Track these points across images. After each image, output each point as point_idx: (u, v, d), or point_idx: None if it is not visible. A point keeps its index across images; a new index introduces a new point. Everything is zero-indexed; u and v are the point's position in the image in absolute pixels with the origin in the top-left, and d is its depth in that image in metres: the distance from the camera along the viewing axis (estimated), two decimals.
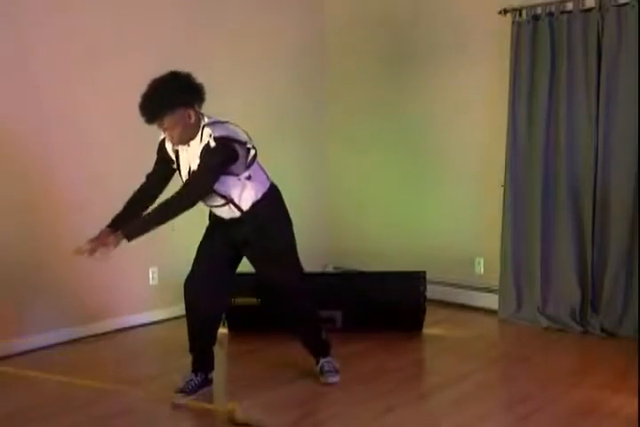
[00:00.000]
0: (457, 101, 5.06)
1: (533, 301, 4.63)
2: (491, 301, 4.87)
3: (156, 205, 3.21)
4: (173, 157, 3.25)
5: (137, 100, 3.02)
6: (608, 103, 4.24)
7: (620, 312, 4.29)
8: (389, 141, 5.50)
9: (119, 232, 3.07)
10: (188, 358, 3.49)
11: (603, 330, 4.32)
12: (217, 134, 3.06)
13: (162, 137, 3.25)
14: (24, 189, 4.04)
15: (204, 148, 3.07)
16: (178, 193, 3.11)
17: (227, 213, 3.30)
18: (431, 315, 4.48)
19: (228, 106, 4.21)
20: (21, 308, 4.01)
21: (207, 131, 3.09)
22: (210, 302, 3.36)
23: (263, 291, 3.57)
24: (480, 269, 5.05)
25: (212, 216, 3.44)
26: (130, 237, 3.06)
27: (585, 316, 4.44)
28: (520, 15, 4.55)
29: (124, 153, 4.46)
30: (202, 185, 3.13)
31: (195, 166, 3.12)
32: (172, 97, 3.02)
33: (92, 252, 3.05)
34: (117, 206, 4.39)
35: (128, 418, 3.13)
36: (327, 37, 5.74)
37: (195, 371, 3.38)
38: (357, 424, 3.05)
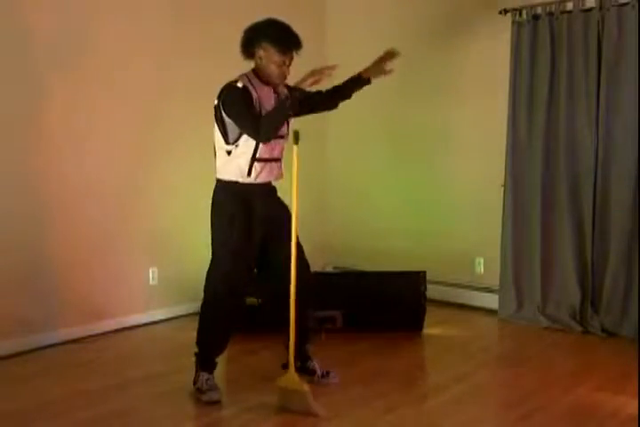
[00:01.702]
0: (456, 101, 5.06)
1: (533, 301, 4.63)
2: (491, 300, 4.87)
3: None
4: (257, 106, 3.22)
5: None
6: (608, 103, 4.25)
7: (620, 312, 4.29)
8: (389, 142, 5.50)
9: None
10: (188, 358, 3.48)
11: (603, 330, 4.32)
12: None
13: (241, 84, 3.18)
14: (24, 190, 4.04)
15: (290, 88, 3.29)
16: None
17: (277, 173, 3.35)
18: (431, 315, 4.48)
19: None
20: (21, 308, 4.01)
21: None
22: (241, 301, 3.41)
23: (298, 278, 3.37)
24: (480, 268, 5.05)
25: (242, 194, 3.28)
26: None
27: (585, 316, 4.44)
28: (520, 15, 4.55)
29: (123, 151, 4.47)
30: None
31: None
32: None
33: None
34: (116, 206, 4.44)
35: (129, 418, 3.13)
36: (328, 30, 5.75)
37: (210, 369, 3.36)
38: (357, 424, 3.04)
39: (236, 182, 3.27)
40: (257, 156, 3.23)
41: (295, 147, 3.14)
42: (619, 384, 3.47)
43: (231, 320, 3.37)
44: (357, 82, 3.49)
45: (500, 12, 4.61)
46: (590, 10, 4.27)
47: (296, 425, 3.06)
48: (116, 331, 4.45)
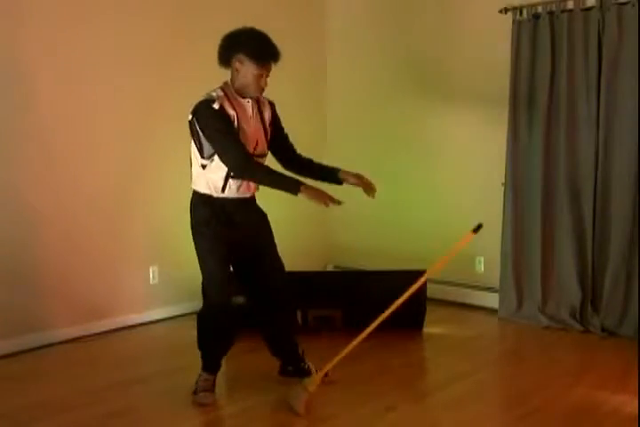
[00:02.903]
0: (456, 100, 5.06)
1: (534, 300, 4.63)
2: (491, 300, 4.87)
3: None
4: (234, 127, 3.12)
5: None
6: (608, 102, 4.24)
7: (620, 311, 4.29)
8: (389, 140, 5.49)
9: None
10: (188, 357, 3.49)
11: (603, 329, 4.32)
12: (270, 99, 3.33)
13: (217, 105, 3.04)
14: (23, 187, 4.04)
15: (272, 106, 3.32)
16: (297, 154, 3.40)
17: (251, 188, 3.27)
18: (431, 314, 4.48)
19: None
20: (21, 307, 4.01)
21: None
22: (231, 305, 3.36)
23: (259, 286, 3.41)
24: (480, 267, 5.05)
25: (216, 206, 3.21)
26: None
27: (585, 315, 4.43)
28: (520, 14, 4.55)
29: (124, 151, 4.48)
30: None
31: (259, 128, 3.22)
32: None
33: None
34: (116, 205, 4.44)
35: (129, 417, 3.13)
36: (327, 25, 5.76)
37: (212, 371, 3.36)
38: (358, 423, 3.05)
39: (210, 196, 3.20)
40: (232, 173, 3.14)
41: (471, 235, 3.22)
42: (618, 383, 3.47)
43: (227, 326, 3.34)
44: (331, 177, 3.41)
45: (501, 11, 4.61)
46: (591, 9, 4.26)
47: (295, 424, 3.06)
48: (117, 330, 4.45)
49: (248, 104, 3.17)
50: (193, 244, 3.28)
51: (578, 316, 4.45)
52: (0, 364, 3.82)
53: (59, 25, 4.11)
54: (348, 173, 3.38)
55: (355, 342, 3.24)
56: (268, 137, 3.27)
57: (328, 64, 5.77)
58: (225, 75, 3.19)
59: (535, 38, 4.49)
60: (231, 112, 3.09)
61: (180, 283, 4.76)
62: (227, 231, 3.20)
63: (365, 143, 5.66)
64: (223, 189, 3.17)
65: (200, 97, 3.14)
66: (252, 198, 3.35)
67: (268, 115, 3.27)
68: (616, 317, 4.30)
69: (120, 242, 4.52)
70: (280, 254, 3.42)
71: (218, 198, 3.19)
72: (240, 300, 3.80)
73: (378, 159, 5.57)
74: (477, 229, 3.12)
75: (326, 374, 3.42)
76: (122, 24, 4.39)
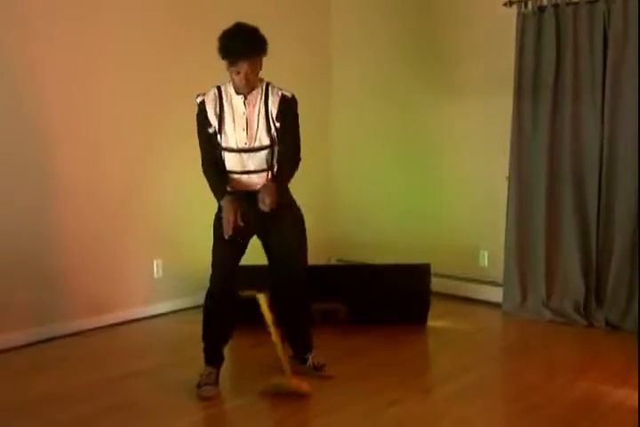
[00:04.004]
0: (461, 94, 5.04)
1: (538, 294, 4.62)
2: (495, 294, 4.86)
3: (282, 166, 3.28)
4: (215, 120, 3.21)
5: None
6: (613, 95, 4.22)
7: (624, 306, 4.28)
8: (394, 134, 5.48)
9: (272, 184, 3.15)
10: (192, 351, 3.49)
11: (607, 323, 4.31)
12: (287, 93, 3.23)
13: (200, 99, 3.24)
14: (28, 181, 4.04)
15: (282, 100, 3.20)
16: (291, 153, 3.26)
17: (257, 184, 3.23)
18: (435, 308, 4.48)
19: None
20: (25, 301, 4.02)
21: (273, 86, 3.24)
22: (233, 295, 3.39)
23: (277, 278, 3.46)
24: (484, 261, 5.04)
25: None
26: (281, 189, 3.18)
27: (589, 309, 4.43)
28: (525, 7, 4.52)
29: (129, 144, 4.48)
30: (299, 137, 3.29)
31: (260, 121, 3.20)
32: (263, 42, 3.14)
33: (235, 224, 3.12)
34: (121, 198, 4.44)
35: (132, 410, 3.14)
36: (332, 26, 5.74)
37: (214, 364, 3.38)
38: (361, 417, 3.05)
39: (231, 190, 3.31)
40: (227, 168, 3.28)
41: None
42: (622, 377, 3.46)
43: (224, 313, 3.36)
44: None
45: (505, 4, 4.58)
46: (596, 1, 4.23)
47: (297, 416, 3.07)
48: (120, 324, 4.46)
49: (241, 100, 3.20)
50: (208, 235, 3.37)
51: (582, 310, 4.44)
52: (5, 357, 3.83)
53: (62, 23, 4.10)
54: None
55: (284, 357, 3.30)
56: (272, 131, 3.24)
57: (332, 58, 5.75)
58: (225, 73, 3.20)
59: (540, 31, 4.47)
60: (212, 109, 3.21)
61: (184, 277, 4.77)
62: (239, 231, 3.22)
63: (368, 138, 5.65)
64: (230, 182, 3.29)
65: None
66: None
67: (274, 109, 3.22)
68: (620, 311, 4.29)
69: (124, 236, 4.52)
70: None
71: (232, 191, 3.27)
72: (252, 293, 3.81)
73: (381, 154, 5.56)
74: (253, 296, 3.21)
75: (319, 368, 3.47)
76: (125, 23, 4.39)
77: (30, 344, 4.00)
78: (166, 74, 4.62)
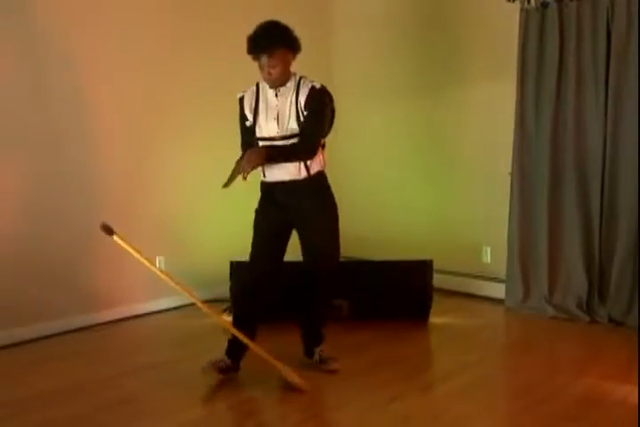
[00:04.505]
0: (464, 91, 5.03)
1: (540, 290, 4.62)
2: (497, 290, 4.86)
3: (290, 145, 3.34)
4: (251, 114, 3.37)
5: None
6: (617, 91, 4.21)
7: (627, 302, 4.28)
8: (396, 130, 5.48)
9: (264, 150, 3.23)
10: (194, 346, 3.49)
11: (610, 319, 4.31)
12: (317, 84, 3.31)
13: (240, 95, 3.41)
14: (33, 176, 4.05)
15: (310, 91, 3.27)
16: (303, 137, 3.29)
17: (291, 172, 3.36)
18: (437, 304, 4.49)
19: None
20: (29, 296, 4.03)
21: (305, 79, 3.33)
22: (267, 286, 3.47)
23: (305, 265, 3.54)
24: (487, 258, 5.04)
25: (265, 189, 3.48)
26: (269, 157, 3.22)
27: (592, 305, 4.43)
28: (528, 2, 4.51)
29: (131, 140, 4.48)
30: (318, 125, 3.32)
31: (291, 111, 3.29)
32: (291, 36, 3.26)
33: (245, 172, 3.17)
34: (124, 194, 4.45)
35: (135, 405, 3.15)
36: (333, 25, 5.72)
37: (231, 356, 3.43)
38: (363, 413, 3.05)
39: (262, 182, 3.46)
40: None
41: None
42: (625, 373, 3.46)
43: (253, 305, 3.46)
44: None
45: (509, 0, 4.57)
46: None
47: (299, 412, 3.07)
48: (123, 319, 4.47)
49: (273, 93, 3.33)
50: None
51: (584, 306, 4.44)
52: (8, 352, 3.85)
53: (63, 23, 4.10)
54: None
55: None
56: (301, 120, 3.31)
57: (333, 53, 5.75)
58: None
59: (543, 27, 4.45)
60: (249, 102, 3.37)
61: (187, 273, 4.75)
62: (274, 213, 3.43)
63: (374, 135, 5.64)
64: (263, 173, 3.41)
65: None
66: (301, 182, 3.39)
67: (303, 100, 3.30)
68: (623, 307, 4.29)
69: (127, 232, 4.45)
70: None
71: (265, 183, 3.44)
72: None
73: (384, 150, 5.56)
74: None
75: (324, 361, 3.48)
76: (124, 23, 4.39)
77: (33, 340, 4.01)
78: (169, 73, 4.63)
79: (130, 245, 3.18)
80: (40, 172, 4.08)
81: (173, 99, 4.60)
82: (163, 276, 3.21)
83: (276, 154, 3.26)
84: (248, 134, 3.41)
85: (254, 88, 3.40)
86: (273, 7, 4.88)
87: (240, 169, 3.13)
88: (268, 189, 3.46)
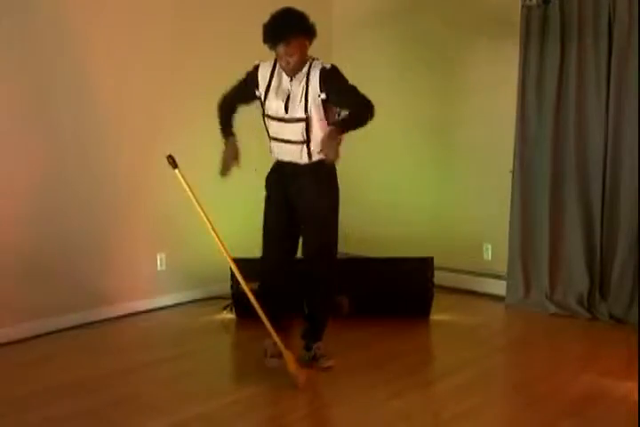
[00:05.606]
0: (465, 86, 5.03)
1: (541, 287, 4.62)
2: (498, 287, 4.86)
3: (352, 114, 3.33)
4: (264, 85, 3.35)
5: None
6: (618, 88, 4.20)
7: (628, 299, 4.27)
8: (398, 127, 5.46)
9: (335, 127, 3.20)
10: (195, 343, 3.49)
11: (611, 317, 4.31)
12: (327, 64, 3.29)
13: (258, 62, 3.38)
14: (34, 177, 4.05)
15: (321, 73, 3.24)
16: (362, 106, 3.29)
17: (294, 154, 3.40)
18: (438, 301, 4.48)
19: None
20: (29, 293, 4.03)
21: (316, 62, 3.30)
22: (286, 276, 3.51)
23: (304, 250, 3.58)
24: (488, 255, 5.03)
25: (276, 163, 3.52)
26: (342, 131, 3.22)
27: (593, 302, 4.42)
28: None
29: (132, 137, 4.47)
30: (360, 93, 3.28)
31: (302, 96, 3.28)
32: (307, 23, 3.23)
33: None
34: (124, 191, 4.45)
35: (135, 402, 3.15)
36: (334, 24, 5.72)
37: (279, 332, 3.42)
38: (363, 410, 3.05)
39: (275, 160, 3.51)
40: (270, 135, 3.45)
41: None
42: (626, 371, 3.46)
43: (271, 298, 3.47)
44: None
45: None
46: None
47: (299, 409, 3.08)
48: (124, 316, 4.47)
49: (286, 79, 3.32)
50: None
51: (585, 303, 4.44)
52: (10, 350, 3.85)
53: (67, 21, 4.10)
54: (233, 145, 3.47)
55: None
56: (309, 105, 3.28)
57: (332, 42, 5.74)
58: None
59: (545, 24, 4.44)
60: (262, 74, 3.35)
61: (188, 270, 4.77)
62: (282, 194, 3.47)
63: (376, 133, 5.59)
64: (271, 151, 3.47)
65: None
66: (306, 166, 3.42)
67: (316, 82, 3.27)
68: (624, 304, 4.29)
69: (128, 229, 4.53)
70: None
71: (277, 162, 3.51)
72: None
73: (386, 148, 5.55)
74: None
75: (315, 358, 3.48)
76: (125, 22, 4.39)
77: (35, 337, 4.01)
78: (170, 73, 4.62)
79: (187, 183, 3.31)
80: (41, 171, 4.07)
81: (176, 97, 4.60)
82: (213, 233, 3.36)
83: (347, 125, 3.25)
84: (239, 94, 3.45)
85: (272, 62, 3.36)
86: (272, 7, 4.90)
87: (233, 160, 3.30)
88: (278, 168, 3.52)
